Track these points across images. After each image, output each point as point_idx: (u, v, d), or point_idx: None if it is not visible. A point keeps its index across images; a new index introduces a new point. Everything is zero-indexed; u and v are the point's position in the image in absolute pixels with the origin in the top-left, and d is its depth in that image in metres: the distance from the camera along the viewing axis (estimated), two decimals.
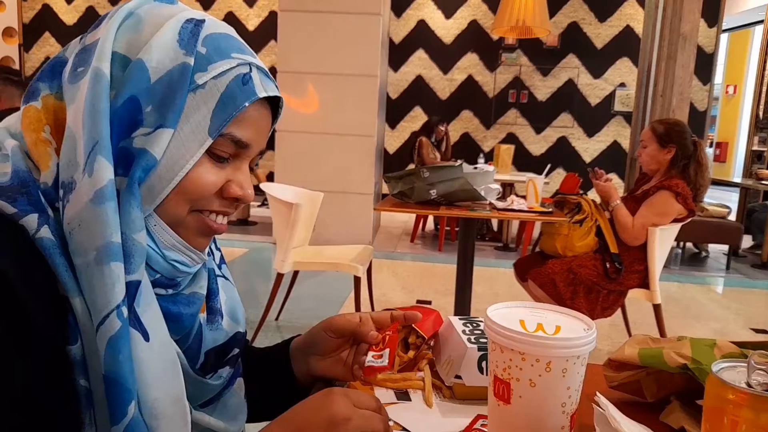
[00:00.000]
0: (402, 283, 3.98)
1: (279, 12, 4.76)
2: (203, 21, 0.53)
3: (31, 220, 0.46)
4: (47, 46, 7.90)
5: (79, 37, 0.54)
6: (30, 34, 7.96)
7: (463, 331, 0.73)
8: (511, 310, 0.56)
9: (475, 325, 0.76)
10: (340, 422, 0.49)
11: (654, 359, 0.68)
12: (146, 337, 0.49)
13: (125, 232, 0.48)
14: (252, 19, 7.47)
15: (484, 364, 0.68)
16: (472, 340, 0.70)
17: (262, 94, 0.54)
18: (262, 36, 7.43)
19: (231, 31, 0.56)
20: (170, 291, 0.56)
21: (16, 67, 8.99)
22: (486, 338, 0.70)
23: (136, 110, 0.49)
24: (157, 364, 0.50)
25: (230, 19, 7.46)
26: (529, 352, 0.47)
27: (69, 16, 7.77)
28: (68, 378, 0.47)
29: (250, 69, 0.53)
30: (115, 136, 0.48)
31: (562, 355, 0.47)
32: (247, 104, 0.52)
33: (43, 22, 7.84)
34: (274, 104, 0.59)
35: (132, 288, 0.48)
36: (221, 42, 0.53)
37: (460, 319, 0.78)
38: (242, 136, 0.54)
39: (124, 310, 0.46)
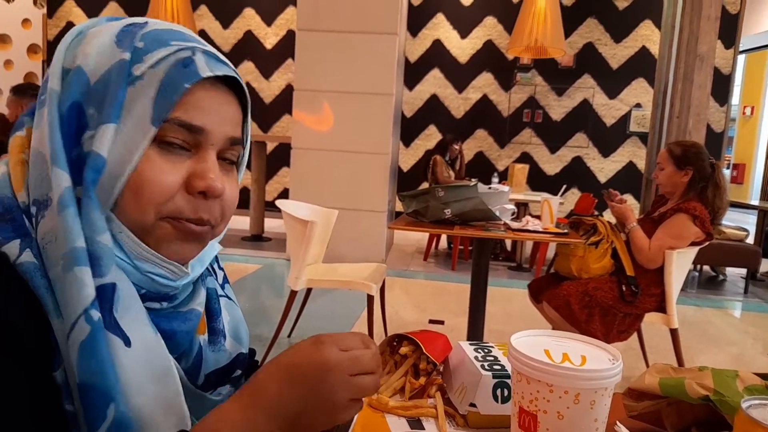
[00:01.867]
0: (415, 302, 3.97)
1: (297, 31, 4.83)
2: (146, 23, 0.52)
3: (13, 247, 0.46)
4: None
5: None
6: (53, 50, 8.14)
7: (476, 357, 0.72)
8: (534, 338, 0.55)
9: (487, 350, 0.75)
10: (331, 368, 0.47)
11: (675, 389, 0.67)
12: (127, 343, 0.47)
13: (89, 236, 0.47)
14: (270, 38, 7.58)
15: (499, 391, 0.67)
16: (486, 367, 0.69)
17: (206, 74, 0.51)
18: (280, 54, 7.53)
19: (178, 27, 0.54)
20: (165, 305, 0.54)
21: (39, 82, 9.20)
22: (500, 365, 0.70)
23: (80, 115, 0.49)
24: (140, 369, 0.48)
25: (249, 37, 7.58)
26: (557, 384, 0.47)
27: None
28: (56, 403, 0.46)
29: (193, 53, 0.51)
30: (67, 145, 0.48)
31: (591, 387, 0.47)
32: (187, 85, 0.50)
33: None
34: (240, 93, 0.56)
35: (107, 291, 0.47)
36: (161, 35, 0.51)
37: (470, 344, 0.77)
38: (191, 119, 0.51)
39: (94, 314, 0.45)
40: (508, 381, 0.66)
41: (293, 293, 2.72)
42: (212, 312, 0.62)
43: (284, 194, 7.29)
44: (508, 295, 4.21)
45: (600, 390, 0.47)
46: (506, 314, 3.74)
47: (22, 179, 0.50)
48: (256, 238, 5.64)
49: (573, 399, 0.47)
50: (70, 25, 8.00)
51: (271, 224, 6.07)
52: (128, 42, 0.50)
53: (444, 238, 5.81)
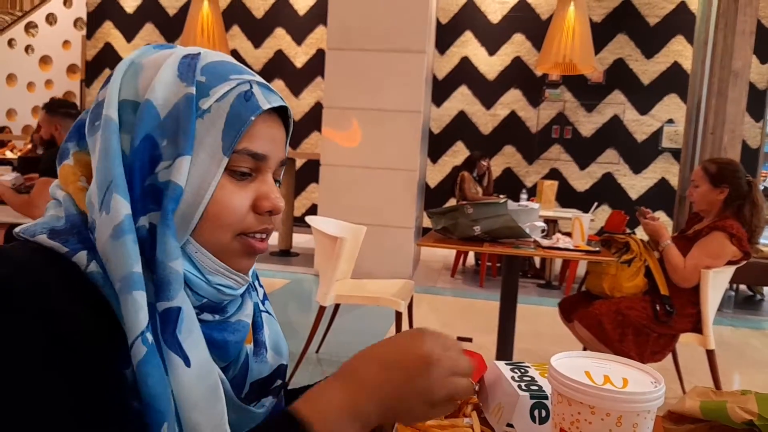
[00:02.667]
0: (442, 319, 3.95)
1: (327, 50, 4.92)
2: (199, 54, 0.57)
3: (81, 257, 0.50)
4: None
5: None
6: (91, 70, 8.43)
7: (512, 378, 0.72)
8: (574, 360, 0.55)
9: (523, 371, 0.74)
10: (433, 362, 0.50)
11: (717, 413, 0.66)
12: (187, 363, 0.51)
13: (162, 261, 0.51)
14: (300, 57, 7.72)
15: (536, 412, 0.67)
16: (523, 387, 0.69)
17: (266, 107, 0.56)
18: (310, 73, 7.66)
19: (226, 57, 0.59)
20: (217, 317, 0.58)
21: (77, 101, 9.52)
22: (537, 386, 0.69)
23: (153, 147, 0.53)
24: (199, 388, 0.51)
25: (279, 57, 7.73)
26: (599, 406, 0.47)
27: (128, 53, 8.19)
28: (125, 400, 0.49)
29: (251, 86, 0.56)
30: (138, 175, 0.52)
31: (634, 410, 0.46)
32: (253, 118, 0.55)
33: (104, 60, 8.30)
34: (283, 115, 0.61)
35: (172, 314, 0.50)
36: (218, 68, 0.56)
37: (506, 364, 0.77)
38: (257, 148, 0.56)
39: (149, 336, 0.48)
40: (546, 402, 0.66)
41: (322, 308, 2.73)
42: (256, 325, 0.66)
43: (312, 210, 7.36)
44: (537, 313, 4.15)
45: (643, 413, 0.47)
46: (535, 333, 3.69)
47: (83, 200, 0.54)
48: (285, 254, 5.70)
49: (615, 421, 0.47)
50: (108, 46, 8.27)
51: (299, 240, 6.12)
52: (190, 76, 0.54)
53: (471, 254, 5.78)
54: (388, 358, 0.50)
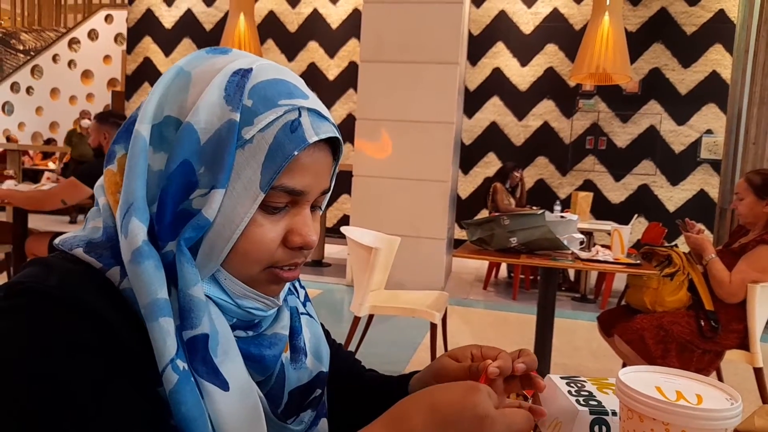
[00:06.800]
0: (475, 332, 3.90)
1: (360, 62, 4.96)
2: (250, 70, 0.52)
3: (114, 273, 0.49)
4: (145, 95, 8.55)
5: None
6: (131, 84, 8.67)
7: (569, 392, 0.70)
8: (642, 374, 0.54)
9: (580, 385, 0.73)
10: (486, 424, 0.46)
11: None
12: (225, 388, 0.49)
13: (181, 289, 0.49)
14: (332, 69, 7.80)
15: (596, 428, 0.65)
16: (582, 402, 0.67)
17: (312, 140, 0.51)
18: (342, 85, 7.73)
19: (282, 74, 0.54)
20: (251, 333, 0.56)
21: None
22: (596, 401, 0.68)
23: (190, 173, 0.50)
24: (239, 412, 0.50)
25: (312, 69, 7.83)
26: (674, 423, 0.45)
27: (167, 68, 8.41)
28: (162, 417, 0.48)
29: (300, 114, 0.51)
30: (171, 199, 0.50)
31: (710, 428, 0.45)
32: (296, 152, 0.50)
33: (144, 74, 8.53)
34: (334, 140, 0.56)
35: (198, 342, 0.49)
36: (267, 90, 0.51)
37: (561, 378, 0.76)
38: (295, 184, 0.52)
39: (179, 363, 0.47)
40: (606, 417, 0.65)
41: (356, 319, 2.73)
42: (293, 330, 0.63)
43: (344, 221, 7.39)
44: (572, 326, 4.07)
45: (719, 431, 0.45)
46: (571, 347, 3.61)
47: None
48: (317, 264, 5.73)
49: None
50: (147, 60, 8.51)
51: (330, 250, 6.15)
52: (237, 99, 0.50)
53: (504, 267, 5.71)
54: (443, 413, 0.47)
